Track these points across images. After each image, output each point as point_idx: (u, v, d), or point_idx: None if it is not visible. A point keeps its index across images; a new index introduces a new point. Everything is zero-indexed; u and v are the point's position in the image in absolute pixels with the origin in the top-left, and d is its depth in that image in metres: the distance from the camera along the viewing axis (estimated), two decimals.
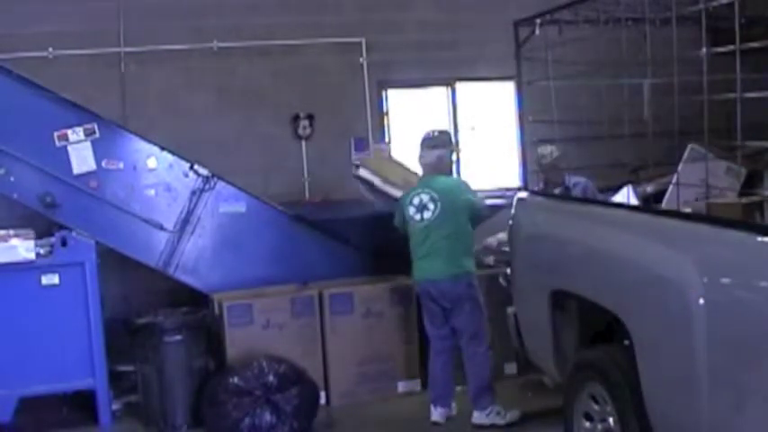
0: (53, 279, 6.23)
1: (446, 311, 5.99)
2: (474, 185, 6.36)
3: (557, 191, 6.56)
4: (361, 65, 8.40)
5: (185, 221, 6.69)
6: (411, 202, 6.06)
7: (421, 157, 6.17)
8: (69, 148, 6.45)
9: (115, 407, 6.48)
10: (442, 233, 5.92)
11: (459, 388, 6.19)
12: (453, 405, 6.14)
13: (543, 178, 6.66)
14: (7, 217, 6.73)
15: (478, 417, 5.94)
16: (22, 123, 6.39)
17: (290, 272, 6.78)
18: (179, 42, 7.84)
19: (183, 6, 7.91)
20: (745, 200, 4.97)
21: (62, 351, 6.23)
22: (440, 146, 6.13)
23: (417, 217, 6.01)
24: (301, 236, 6.93)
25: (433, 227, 5.95)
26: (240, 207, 6.84)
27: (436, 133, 6.23)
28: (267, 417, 5.82)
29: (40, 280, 6.20)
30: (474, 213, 6.01)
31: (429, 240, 5.96)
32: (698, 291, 3.58)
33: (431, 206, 5.96)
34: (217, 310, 6.51)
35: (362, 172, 6.89)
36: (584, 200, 6.02)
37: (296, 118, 8.28)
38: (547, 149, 6.57)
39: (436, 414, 6.06)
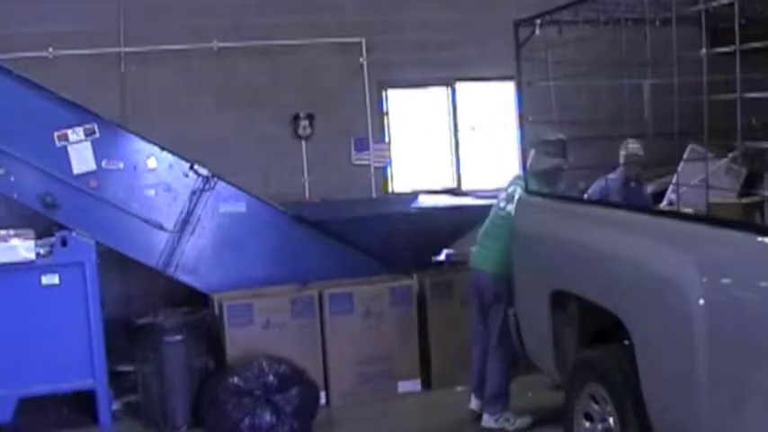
0: (53, 279, 6.22)
1: (484, 307, 5.96)
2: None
3: (633, 184, 6.76)
4: (361, 65, 8.41)
5: (185, 221, 6.69)
6: (506, 189, 6.03)
7: (534, 156, 5.99)
8: (69, 148, 6.45)
9: (115, 407, 6.48)
10: (509, 230, 5.82)
11: None
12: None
13: (624, 174, 6.90)
14: (7, 217, 6.73)
15: (488, 420, 5.92)
16: (22, 123, 6.39)
17: (290, 272, 6.78)
18: (179, 42, 7.85)
19: (183, 6, 7.92)
20: (745, 200, 4.98)
21: (62, 351, 6.23)
22: (549, 153, 5.94)
23: (502, 204, 5.98)
24: (301, 236, 6.92)
25: (505, 220, 5.85)
26: (240, 207, 6.84)
27: (552, 138, 6.03)
28: (267, 417, 5.82)
29: (40, 280, 6.19)
30: None
31: (495, 231, 5.91)
32: (698, 291, 3.58)
33: (515, 200, 5.87)
34: (217, 310, 6.51)
35: None
36: (584, 200, 6.02)
37: (296, 118, 8.29)
38: (635, 145, 6.75)
39: (473, 402, 6.07)
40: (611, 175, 6.85)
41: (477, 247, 6.07)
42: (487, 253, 5.94)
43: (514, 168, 8.22)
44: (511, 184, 6.05)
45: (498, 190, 6.25)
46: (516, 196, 5.86)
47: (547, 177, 5.81)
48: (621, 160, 6.96)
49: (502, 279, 5.80)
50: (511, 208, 5.87)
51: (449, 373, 6.64)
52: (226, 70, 8.06)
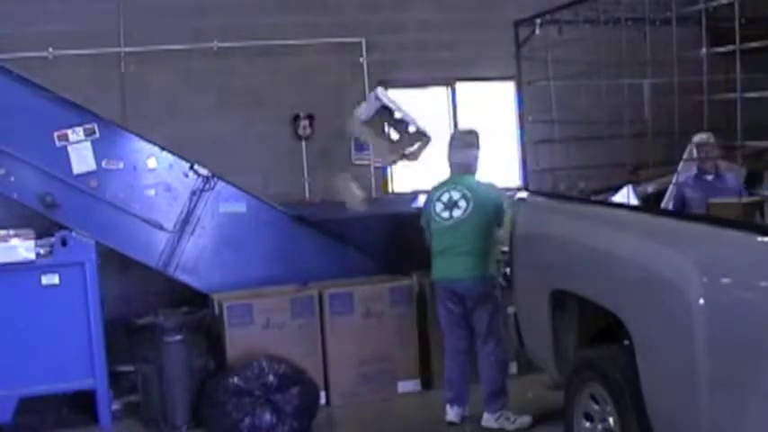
0: (53, 279, 6.22)
1: (466, 311, 5.96)
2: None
3: (709, 177, 6.58)
4: (361, 65, 8.40)
5: (185, 221, 6.69)
6: (439, 199, 6.03)
7: (451, 155, 6.16)
8: (69, 148, 6.45)
9: (115, 407, 6.48)
10: (473, 232, 5.87)
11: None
12: (468, 405, 6.10)
13: (697, 167, 6.67)
14: (7, 217, 6.72)
15: (488, 420, 5.92)
16: (22, 123, 6.39)
17: (290, 272, 6.78)
18: (179, 42, 7.84)
19: (183, 6, 7.92)
20: (745, 200, 4.98)
21: (62, 351, 6.23)
22: (471, 146, 6.14)
23: (445, 214, 5.97)
24: (301, 236, 6.93)
25: (463, 225, 5.90)
26: (240, 207, 6.84)
27: (467, 132, 6.25)
28: (267, 417, 5.82)
29: (40, 280, 6.20)
30: (501, 215, 5.95)
31: (457, 239, 5.91)
32: (698, 291, 3.58)
33: (462, 204, 5.92)
34: (217, 310, 6.51)
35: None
36: (584, 200, 6.02)
37: (296, 118, 8.28)
38: (704, 135, 6.42)
39: (452, 414, 6.04)
40: (683, 173, 6.62)
41: (442, 259, 5.99)
42: (457, 260, 5.91)
43: (514, 168, 8.24)
44: (442, 193, 6.03)
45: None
46: (461, 202, 5.91)
47: (464, 168, 6.04)
48: (694, 154, 6.62)
49: (481, 280, 5.86)
50: (458, 213, 5.90)
51: None
52: (226, 70, 8.05)
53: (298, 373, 6.09)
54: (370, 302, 6.66)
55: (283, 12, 8.14)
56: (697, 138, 6.49)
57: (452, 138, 6.26)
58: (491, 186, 6.16)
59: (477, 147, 6.15)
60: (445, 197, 6.01)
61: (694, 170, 6.79)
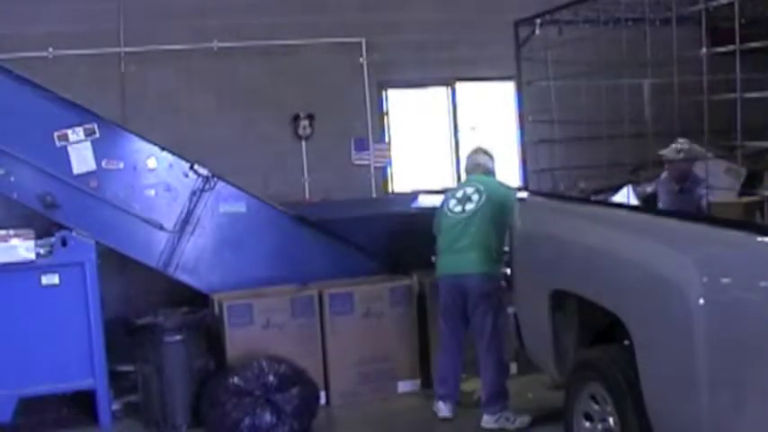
0: (53, 279, 6.22)
1: (467, 309, 5.96)
2: None
3: (677, 188, 6.47)
4: (361, 65, 8.41)
5: (185, 221, 6.69)
6: (454, 195, 6.13)
7: (471, 159, 6.36)
8: (69, 148, 6.45)
9: (115, 407, 6.48)
10: (483, 228, 5.91)
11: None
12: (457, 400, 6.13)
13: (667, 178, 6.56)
14: (7, 217, 6.72)
15: (488, 420, 5.91)
16: (22, 123, 6.38)
17: (290, 272, 6.78)
18: (179, 42, 7.85)
19: (183, 6, 7.92)
20: (745, 200, 4.97)
21: (62, 351, 6.23)
22: (486, 154, 6.35)
23: (458, 209, 6.03)
24: (301, 236, 6.93)
25: (474, 218, 5.95)
26: (240, 207, 6.84)
27: (485, 148, 6.46)
28: (267, 417, 5.82)
29: (40, 280, 6.19)
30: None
31: (467, 233, 5.95)
32: (698, 291, 3.58)
33: (475, 197, 5.99)
34: (217, 310, 6.51)
35: None
36: (584, 200, 6.02)
37: (296, 118, 8.29)
38: (676, 145, 6.19)
39: (445, 410, 6.06)
40: (663, 178, 6.59)
41: (450, 255, 6.03)
42: (465, 256, 5.93)
43: (514, 168, 8.24)
44: (457, 189, 6.21)
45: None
46: (474, 196, 6.00)
47: (483, 169, 6.27)
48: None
49: (488, 277, 5.88)
50: (470, 207, 5.98)
51: None
52: (226, 70, 8.06)
53: (298, 373, 6.09)
54: (370, 302, 6.65)
55: (283, 12, 8.14)
56: (671, 147, 6.38)
57: (474, 148, 6.49)
58: (507, 187, 6.25)
59: (492, 160, 6.34)
60: (459, 193, 6.12)
61: (664, 180, 6.72)
